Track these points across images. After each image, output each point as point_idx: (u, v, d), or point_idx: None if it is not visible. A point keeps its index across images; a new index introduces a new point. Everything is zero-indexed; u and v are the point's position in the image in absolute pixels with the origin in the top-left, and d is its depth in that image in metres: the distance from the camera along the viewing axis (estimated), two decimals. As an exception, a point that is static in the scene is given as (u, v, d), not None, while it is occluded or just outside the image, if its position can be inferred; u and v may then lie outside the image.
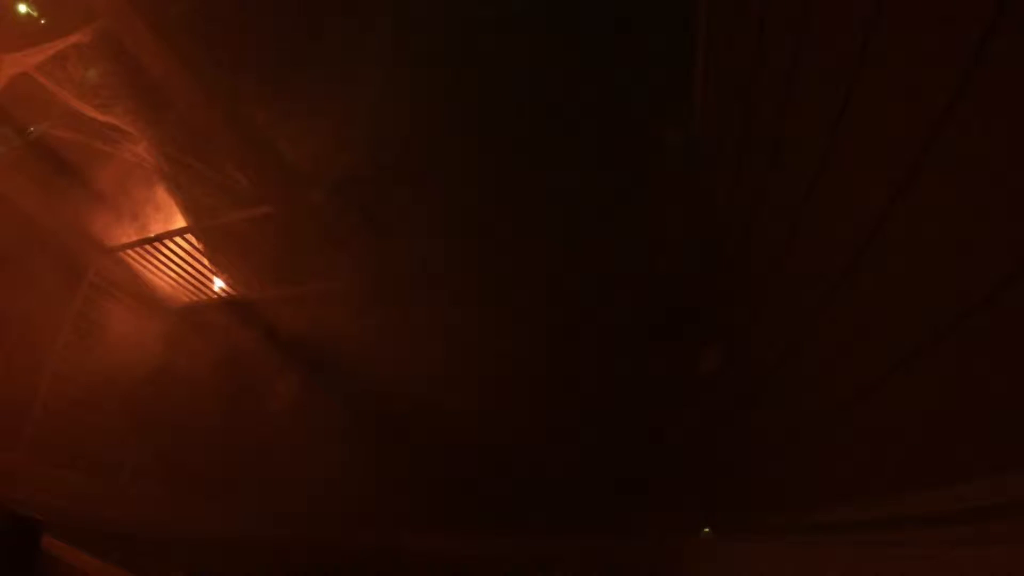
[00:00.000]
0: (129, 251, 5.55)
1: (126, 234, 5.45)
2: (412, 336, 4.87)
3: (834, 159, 1.36)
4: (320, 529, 4.77)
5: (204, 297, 6.06)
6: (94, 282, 5.50)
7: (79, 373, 5.21)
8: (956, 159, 0.90)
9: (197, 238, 5.48)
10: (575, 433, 4.31)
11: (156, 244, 5.47)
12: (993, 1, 0.76)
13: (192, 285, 5.96)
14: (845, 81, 1.22)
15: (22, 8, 4.52)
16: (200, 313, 6.03)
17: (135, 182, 5.31)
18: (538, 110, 3.93)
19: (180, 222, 5.45)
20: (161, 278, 5.86)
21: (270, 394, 5.60)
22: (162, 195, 5.34)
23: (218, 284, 5.93)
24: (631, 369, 4.09)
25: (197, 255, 5.62)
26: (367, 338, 5.00)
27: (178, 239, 5.43)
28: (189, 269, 5.76)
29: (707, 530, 2.95)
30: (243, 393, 5.53)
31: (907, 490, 1.10)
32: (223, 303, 5.92)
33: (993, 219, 0.83)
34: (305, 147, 4.76)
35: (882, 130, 1.12)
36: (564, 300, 4.33)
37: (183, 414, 5.33)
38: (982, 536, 0.86)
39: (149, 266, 5.72)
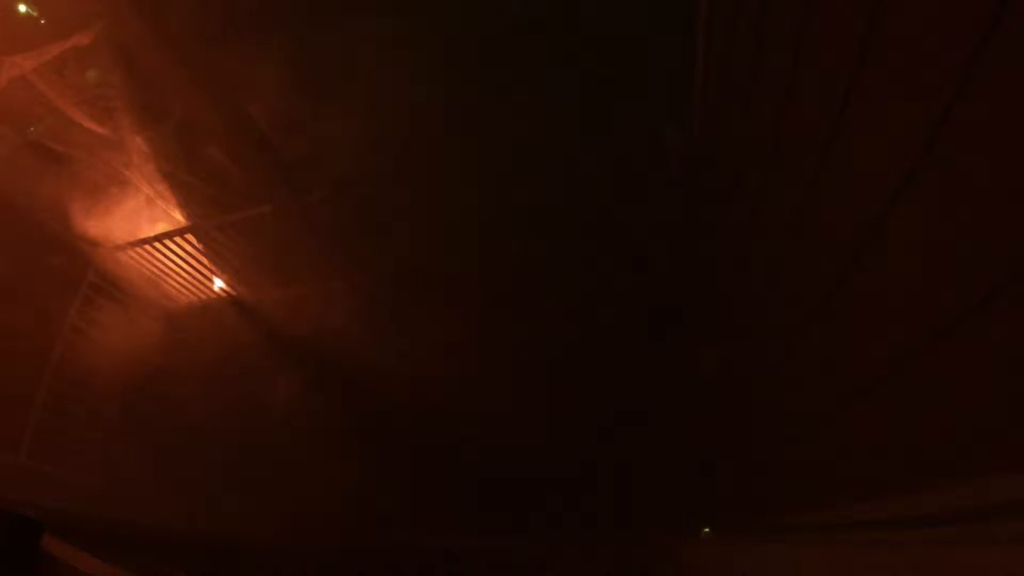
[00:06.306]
0: (129, 251, 5.55)
1: (126, 234, 5.45)
2: (412, 336, 4.87)
3: (834, 159, 1.36)
4: (320, 529, 4.77)
5: (204, 297, 6.06)
6: (94, 282, 5.50)
7: (79, 373, 5.21)
8: (956, 159, 0.90)
9: (197, 238, 5.49)
10: (575, 433, 4.31)
11: (156, 244, 5.47)
12: (994, 1, 0.76)
13: (192, 285, 5.96)
14: (845, 81, 1.22)
15: (22, 8, 4.50)
16: (200, 313, 6.03)
17: (135, 182, 5.30)
18: (537, 111, 3.94)
19: (180, 222, 5.46)
20: (161, 278, 5.86)
21: (270, 394, 5.60)
22: (162, 195, 5.34)
23: (218, 284, 5.93)
24: (633, 370, 4.09)
25: (197, 255, 5.62)
26: (367, 338, 5.00)
27: (178, 239, 5.43)
28: (189, 269, 5.76)
29: (707, 530, 2.95)
30: (243, 393, 5.53)
31: (907, 490, 1.09)
32: (223, 303, 5.92)
33: (993, 219, 0.83)
34: (305, 148, 4.77)
35: (882, 130, 1.12)
36: (564, 300, 4.33)
37: (183, 414, 5.33)
38: (982, 536, 0.86)
39: (149, 266, 5.72)
